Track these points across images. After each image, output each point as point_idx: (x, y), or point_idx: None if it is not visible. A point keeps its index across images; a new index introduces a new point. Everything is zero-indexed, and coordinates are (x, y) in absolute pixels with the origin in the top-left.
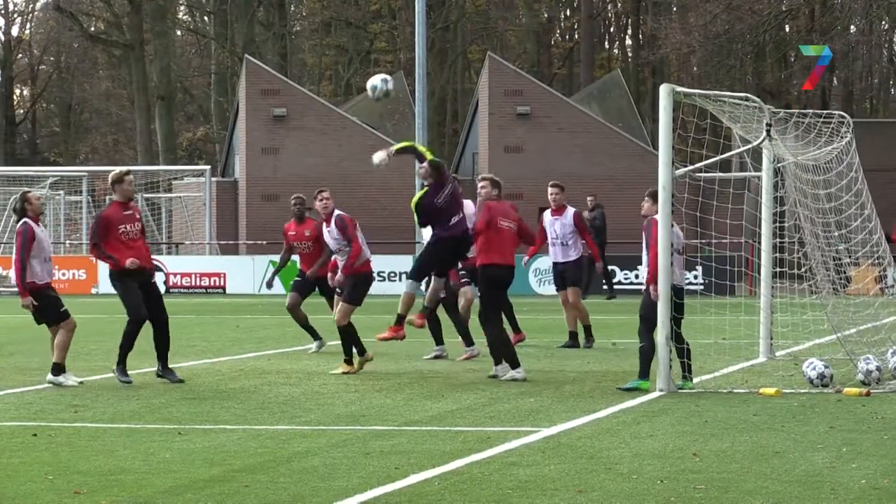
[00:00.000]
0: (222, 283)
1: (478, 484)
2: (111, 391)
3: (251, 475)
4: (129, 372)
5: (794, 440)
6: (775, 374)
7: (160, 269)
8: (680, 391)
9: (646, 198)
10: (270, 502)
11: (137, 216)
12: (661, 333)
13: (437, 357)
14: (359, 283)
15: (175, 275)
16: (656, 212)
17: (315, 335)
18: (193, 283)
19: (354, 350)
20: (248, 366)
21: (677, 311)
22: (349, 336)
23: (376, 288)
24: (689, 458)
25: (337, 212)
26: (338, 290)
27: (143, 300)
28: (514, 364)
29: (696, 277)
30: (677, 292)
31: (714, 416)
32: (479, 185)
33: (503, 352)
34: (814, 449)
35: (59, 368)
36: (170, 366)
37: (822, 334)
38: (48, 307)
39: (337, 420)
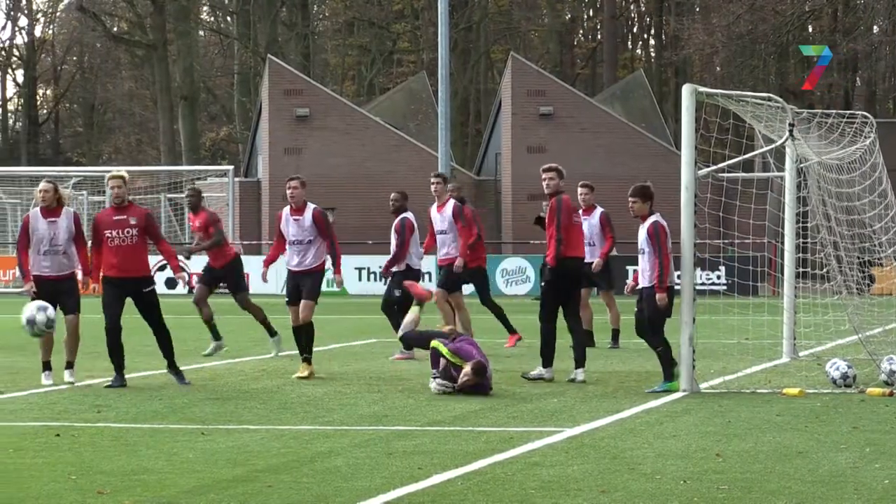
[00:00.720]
0: (247, 283)
1: (501, 484)
2: (134, 391)
3: (274, 475)
4: (151, 371)
5: (817, 440)
6: (798, 374)
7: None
8: (703, 392)
9: (634, 197)
10: (293, 502)
11: (132, 222)
12: (683, 333)
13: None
14: (320, 280)
15: (198, 275)
16: (648, 211)
17: (215, 335)
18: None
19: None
20: (270, 366)
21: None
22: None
23: None
24: (712, 458)
25: (313, 204)
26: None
27: (119, 308)
28: (547, 363)
29: (718, 278)
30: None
31: (737, 417)
32: (545, 175)
33: (549, 349)
34: (837, 449)
35: (44, 366)
36: (181, 367)
37: (845, 335)
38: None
39: (360, 420)
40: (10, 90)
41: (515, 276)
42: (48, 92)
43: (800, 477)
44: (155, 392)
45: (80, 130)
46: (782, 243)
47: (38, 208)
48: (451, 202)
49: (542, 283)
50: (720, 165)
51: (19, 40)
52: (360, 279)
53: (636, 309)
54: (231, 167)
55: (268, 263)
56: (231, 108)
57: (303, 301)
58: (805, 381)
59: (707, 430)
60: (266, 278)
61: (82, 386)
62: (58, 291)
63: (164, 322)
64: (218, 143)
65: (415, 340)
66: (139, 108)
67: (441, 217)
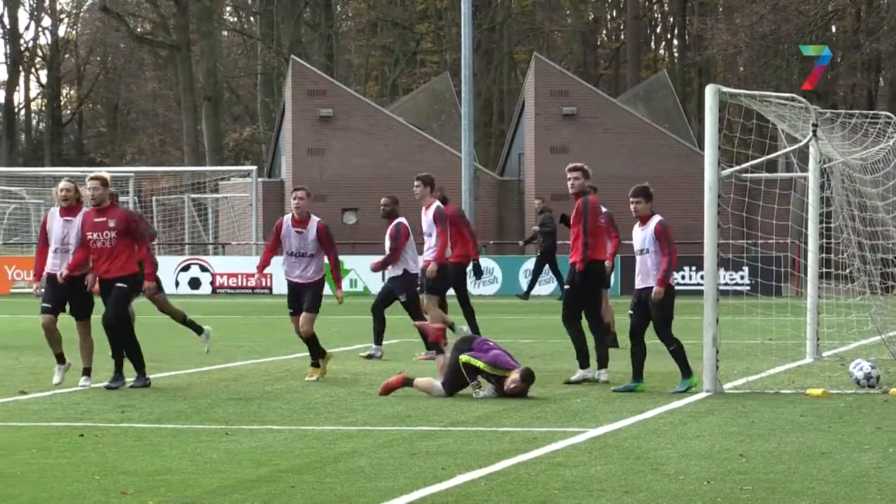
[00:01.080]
0: (269, 284)
1: (524, 484)
2: (158, 392)
3: (298, 475)
4: (175, 372)
5: (840, 441)
6: (822, 374)
7: (203, 278)
8: (726, 393)
9: (637, 198)
10: (317, 503)
11: (111, 224)
12: (707, 334)
13: (371, 357)
14: (321, 290)
15: (221, 275)
16: (650, 211)
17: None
18: (240, 284)
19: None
20: (294, 366)
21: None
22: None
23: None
24: (735, 458)
25: (317, 217)
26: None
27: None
28: (585, 364)
29: (742, 278)
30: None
31: (761, 417)
32: (570, 175)
33: (583, 349)
34: (860, 450)
35: (57, 358)
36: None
37: (869, 335)
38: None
39: (383, 420)
40: (34, 90)
41: (544, 277)
42: (72, 92)
43: (823, 477)
44: (179, 392)
45: (103, 131)
46: (806, 243)
47: (57, 207)
48: (434, 205)
49: (566, 285)
50: (744, 166)
51: (43, 40)
52: (382, 280)
53: (630, 312)
54: (254, 168)
55: (261, 269)
56: (254, 109)
57: (304, 314)
58: (828, 382)
59: (730, 430)
60: (261, 283)
61: (106, 386)
62: (71, 293)
63: (122, 317)
64: (241, 143)
65: (453, 379)
66: (163, 108)
67: (425, 220)
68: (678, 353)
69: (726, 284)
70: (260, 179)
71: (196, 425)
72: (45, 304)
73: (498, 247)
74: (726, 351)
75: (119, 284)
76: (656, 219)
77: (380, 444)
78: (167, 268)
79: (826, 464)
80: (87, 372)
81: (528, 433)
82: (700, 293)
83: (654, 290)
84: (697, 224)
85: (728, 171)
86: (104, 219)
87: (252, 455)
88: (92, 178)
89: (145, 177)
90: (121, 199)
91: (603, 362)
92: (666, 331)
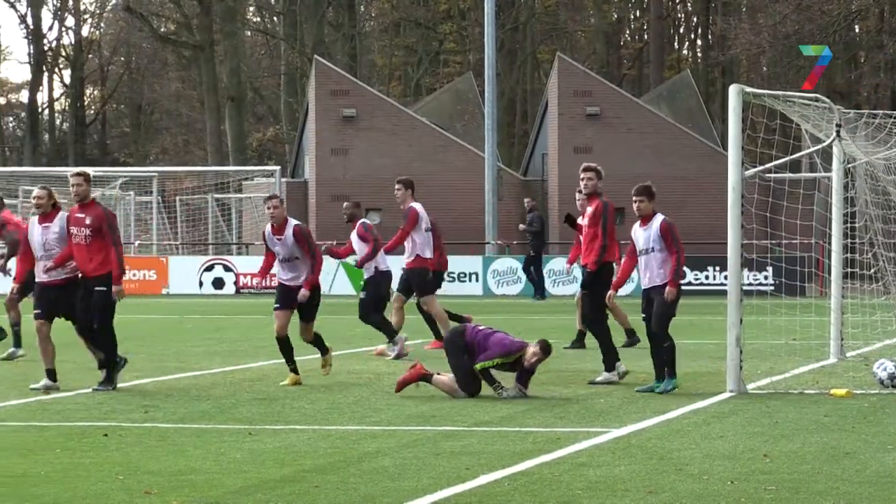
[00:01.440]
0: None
1: (548, 484)
2: (181, 392)
3: (322, 475)
4: (199, 372)
5: (864, 441)
6: (846, 374)
7: (227, 278)
8: (750, 393)
9: (641, 196)
10: (341, 503)
11: (87, 221)
12: (731, 334)
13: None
14: (318, 296)
15: (245, 275)
16: (653, 210)
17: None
18: (264, 284)
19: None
20: (317, 366)
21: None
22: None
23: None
24: (759, 459)
25: (293, 221)
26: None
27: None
28: (611, 367)
29: (766, 278)
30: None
31: (784, 417)
32: (583, 175)
33: (610, 349)
34: (885, 450)
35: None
36: (232, 367)
37: (893, 335)
38: None
39: (407, 420)
40: (58, 90)
41: (562, 277)
42: (95, 92)
43: (847, 478)
44: (202, 392)
45: (126, 131)
46: (829, 243)
47: (35, 216)
48: (410, 206)
49: (583, 290)
50: (767, 166)
51: (66, 40)
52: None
53: (644, 315)
54: (278, 167)
55: (264, 274)
56: (278, 109)
57: (301, 325)
58: (852, 382)
59: (754, 430)
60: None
61: (129, 386)
62: (63, 299)
63: (107, 326)
64: (265, 143)
65: (472, 382)
66: (186, 108)
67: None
68: (670, 351)
69: (750, 284)
70: (284, 179)
71: (220, 425)
72: (36, 311)
73: (521, 247)
74: (750, 351)
75: (98, 288)
76: (660, 217)
77: (404, 443)
78: (191, 268)
79: (850, 464)
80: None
81: (551, 433)
82: (724, 293)
83: (666, 289)
84: (721, 224)
85: (752, 171)
86: (83, 215)
87: (276, 455)
88: (74, 175)
89: (169, 177)
90: (144, 199)
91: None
92: (664, 327)
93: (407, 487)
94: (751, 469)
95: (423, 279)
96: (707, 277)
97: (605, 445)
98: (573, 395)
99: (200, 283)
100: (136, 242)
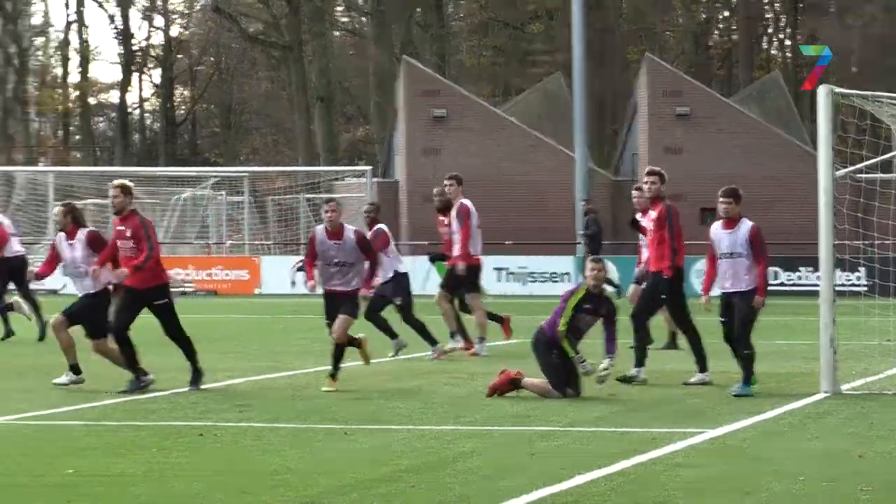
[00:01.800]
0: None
1: (643, 485)
2: (276, 392)
3: (417, 475)
4: (293, 372)
5: None
6: None
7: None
8: (844, 394)
9: (728, 198)
10: (436, 502)
11: (128, 234)
12: (824, 335)
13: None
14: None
15: None
16: (739, 213)
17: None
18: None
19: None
20: (411, 366)
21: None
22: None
23: (537, 289)
24: (854, 459)
25: (350, 226)
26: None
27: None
28: (704, 368)
29: (858, 279)
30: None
31: (880, 418)
32: (646, 179)
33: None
34: None
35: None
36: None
37: None
38: None
39: (502, 420)
40: (147, 91)
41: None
42: (185, 92)
43: None
44: (296, 392)
45: (216, 131)
46: None
47: (62, 232)
48: (460, 203)
49: (657, 294)
50: (858, 166)
51: (155, 41)
52: (498, 280)
53: (722, 319)
54: (369, 168)
55: (314, 280)
56: (367, 109)
57: (340, 318)
58: None
59: (849, 431)
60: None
61: (223, 386)
62: (90, 309)
63: (180, 335)
64: (355, 143)
65: (557, 378)
66: (275, 108)
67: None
68: (751, 358)
69: (843, 285)
70: (375, 179)
71: (314, 425)
72: (66, 309)
73: (613, 247)
74: (843, 352)
75: (157, 302)
76: (749, 223)
77: (499, 444)
78: (283, 267)
79: None
80: (142, 372)
81: (646, 434)
82: (815, 294)
83: (755, 298)
84: (812, 224)
85: (842, 171)
86: (123, 228)
87: (371, 455)
88: (113, 186)
89: (260, 177)
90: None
91: (640, 361)
92: (748, 333)
93: (502, 487)
94: (846, 470)
95: (474, 277)
96: (799, 278)
97: (701, 446)
98: (667, 396)
99: (293, 283)
100: (229, 242)
